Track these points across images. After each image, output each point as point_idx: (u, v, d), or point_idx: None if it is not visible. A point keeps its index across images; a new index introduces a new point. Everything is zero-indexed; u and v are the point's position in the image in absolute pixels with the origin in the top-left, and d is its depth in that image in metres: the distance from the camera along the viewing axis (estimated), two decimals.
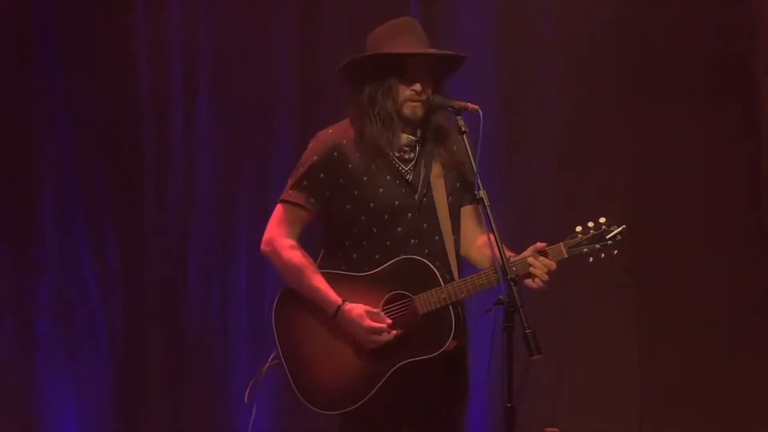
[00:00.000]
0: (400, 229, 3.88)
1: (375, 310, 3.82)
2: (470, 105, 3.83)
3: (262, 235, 4.02)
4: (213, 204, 6.29)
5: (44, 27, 6.20)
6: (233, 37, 6.26)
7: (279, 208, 3.98)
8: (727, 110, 6.13)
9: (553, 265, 3.78)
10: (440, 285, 3.79)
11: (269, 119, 6.29)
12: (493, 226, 3.70)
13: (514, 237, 3.96)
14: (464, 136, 3.80)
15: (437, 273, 3.81)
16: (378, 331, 3.79)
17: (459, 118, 3.82)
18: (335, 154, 3.91)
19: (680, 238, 6.12)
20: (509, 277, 3.64)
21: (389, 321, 3.81)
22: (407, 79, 3.88)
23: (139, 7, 6.25)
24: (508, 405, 3.62)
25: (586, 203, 5.99)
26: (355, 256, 3.89)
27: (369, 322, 3.79)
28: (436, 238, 3.89)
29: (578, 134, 6.18)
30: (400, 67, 3.88)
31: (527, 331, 3.55)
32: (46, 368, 6.19)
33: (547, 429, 5.89)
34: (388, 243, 3.86)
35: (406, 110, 3.90)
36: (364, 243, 3.88)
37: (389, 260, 3.85)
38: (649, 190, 6.16)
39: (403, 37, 3.90)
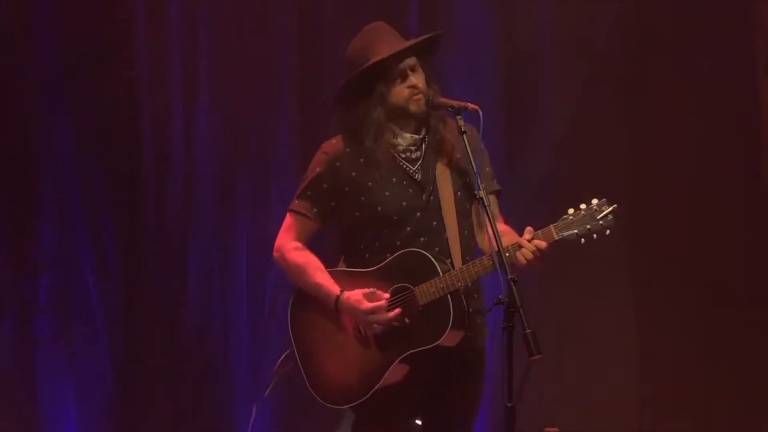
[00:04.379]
0: (409, 228, 3.91)
1: (371, 290, 3.85)
2: (470, 105, 3.84)
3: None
4: (213, 204, 6.29)
5: (44, 28, 6.20)
6: (233, 37, 6.26)
7: (287, 217, 4.05)
8: (727, 110, 6.14)
9: (544, 244, 3.77)
10: (438, 275, 3.81)
11: (269, 119, 6.29)
12: (493, 222, 3.72)
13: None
14: (464, 137, 3.81)
15: (435, 263, 3.82)
16: (376, 310, 3.82)
17: (459, 118, 3.84)
18: (338, 164, 3.95)
19: (680, 238, 6.12)
20: (510, 277, 3.65)
21: (386, 296, 3.84)
22: (397, 78, 3.90)
23: (139, 7, 6.25)
24: (508, 405, 3.62)
25: (585, 202, 5.98)
26: (368, 256, 3.93)
27: (367, 305, 3.83)
28: (444, 234, 3.92)
29: (578, 134, 6.18)
30: (383, 73, 3.89)
31: (527, 331, 3.55)
32: (46, 368, 6.19)
33: (547, 429, 5.89)
34: (398, 243, 3.90)
35: (412, 107, 3.92)
36: (377, 244, 3.92)
37: None
38: (649, 189, 6.17)
39: (376, 43, 3.92)
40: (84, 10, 6.22)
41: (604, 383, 6.12)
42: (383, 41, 3.93)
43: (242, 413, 6.01)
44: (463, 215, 3.96)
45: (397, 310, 3.83)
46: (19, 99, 6.21)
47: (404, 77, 3.90)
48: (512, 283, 3.63)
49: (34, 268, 6.22)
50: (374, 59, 3.87)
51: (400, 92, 3.91)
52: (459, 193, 3.96)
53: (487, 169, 4.00)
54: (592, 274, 5.93)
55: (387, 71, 3.89)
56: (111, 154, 6.27)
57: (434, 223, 3.92)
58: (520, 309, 3.58)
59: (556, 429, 5.89)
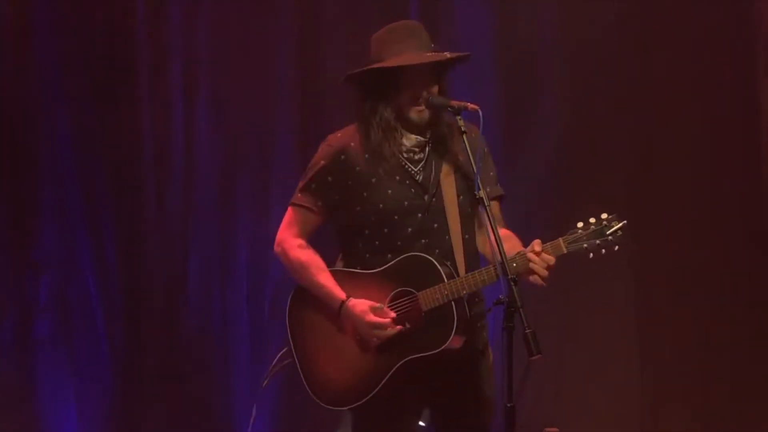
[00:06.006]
0: (410, 229, 3.90)
1: (379, 305, 3.85)
2: (470, 105, 3.84)
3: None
4: (213, 204, 6.30)
5: (44, 28, 6.20)
6: (233, 37, 6.26)
7: (289, 211, 4.04)
8: (727, 110, 6.14)
9: (553, 260, 3.78)
10: (443, 281, 3.81)
11: (269, 119, 6.29)
12: (494, 225, 3.71)
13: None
14: (464, 137, 3.81)
15: (440, 269, 3.82)
16: (381, 326, 3.83)
17: (459, 118, 3.83)
18: (342, 157, 3.94)
19: (680, 238, 6.12)
20: (510, 277, 3.65)
21: (393, 315, 3.84)
22: (410, 87, 3.89)
23: (140, 7, 6.26)
24: (508, 405, 3.62)
25: (586, 203, 5.98)
26: (368, 256, 3.93)
27: (372, 317, 3.83)
28: (446, 237, 3.91)
29: (578, 134, 6.18)
30: (400, 77, 3.88)
31: (527, 331, 3.56)
32: (46, 368, 6.19)
33: (547, 429, 5.89)
34: (399, 243, 3.89)
35: (413, 115, 3.91)
36: (377, 243, 3.91)
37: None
38: (650, 190, 6.17)
39: (403, 43, 3.90)
40: (84, 11, 6.22)
41: (604, 383, 6.12)
42: (411, 44, 3.90)
43: (242, 413, 6.01)
44: (465, 218, 3.95)
45: (398, 327, 3.83)
46: (19, 99, 6.21)
47: (416, 88, 3.88)
48: (512, 283, 3.63)
49: (34, 268, 6.22)
50: (398, 62, 3.85)
51: (407, 99, 3.89)
52: (462, 196, 3.95)
53: (491, 173, 4.00)
54: (593, 273, 5.91)
55: (403, 77, 3.88)
56: (111, 154, 6.27)
57: (435, 225, 3.91)
58: (520, 309, 3.58)
59: (556, 429, 5.89)
